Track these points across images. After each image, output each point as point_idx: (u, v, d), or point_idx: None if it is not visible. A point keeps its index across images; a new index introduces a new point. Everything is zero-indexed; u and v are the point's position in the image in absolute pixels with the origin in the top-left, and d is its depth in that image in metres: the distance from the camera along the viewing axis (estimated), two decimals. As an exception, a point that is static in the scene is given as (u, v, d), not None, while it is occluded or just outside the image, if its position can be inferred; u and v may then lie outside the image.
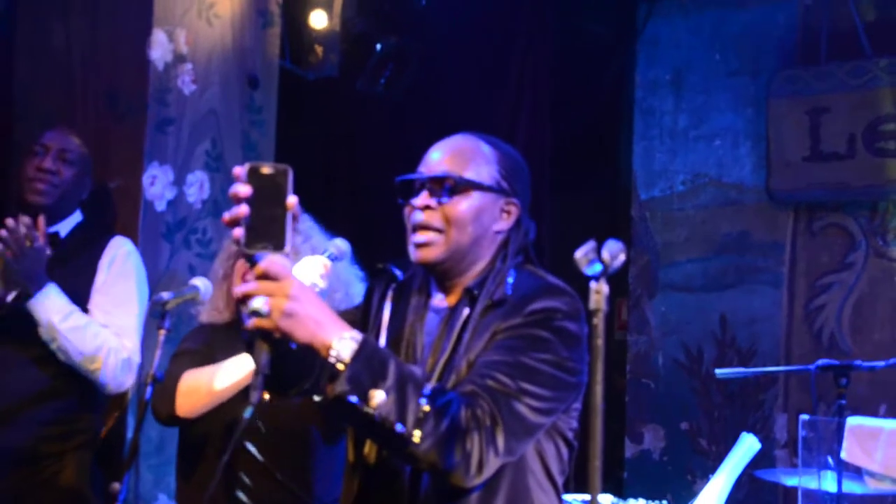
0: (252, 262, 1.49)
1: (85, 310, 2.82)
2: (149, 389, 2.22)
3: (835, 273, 4.27)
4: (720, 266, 4.49)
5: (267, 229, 1.48)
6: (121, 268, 2.92)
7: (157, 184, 3.33)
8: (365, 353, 1.51)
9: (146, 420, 2.25)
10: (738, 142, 4.51)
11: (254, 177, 1.49)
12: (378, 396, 1.49)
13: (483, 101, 4.30)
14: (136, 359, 2.83)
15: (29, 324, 2.72)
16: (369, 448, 1.75)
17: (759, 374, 4.07)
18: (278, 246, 1.48)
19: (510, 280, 1.74)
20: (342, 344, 1.51)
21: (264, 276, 1.49)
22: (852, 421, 2.76)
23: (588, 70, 4.76)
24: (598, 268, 1.28)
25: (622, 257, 1.29)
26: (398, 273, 1.87)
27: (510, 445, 1.60)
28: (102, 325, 2.80)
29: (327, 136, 4.63)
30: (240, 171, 1.49)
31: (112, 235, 2.99)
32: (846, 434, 2.75)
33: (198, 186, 3.47)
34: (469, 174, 1.77)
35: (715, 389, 4.40)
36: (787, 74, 4.32)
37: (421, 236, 1.76)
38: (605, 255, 1.28)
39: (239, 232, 1.47)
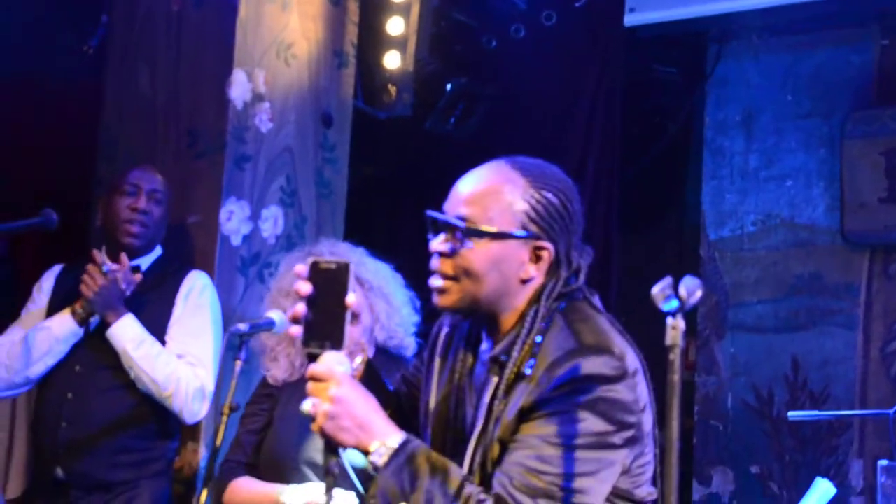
0: (313, 358, 1.53)
1: (163, 341, 2.91)
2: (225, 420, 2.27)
3: (912, 317, 4.18)
4: (792, 308, 4.41)
5: (325, 328, 1.50)
6: (197, 300, 3.01)
7: (233, 219, 3.42)
8: (398, 462, 1.50)
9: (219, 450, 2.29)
10: (811, 182, 4.45)
11: (315, 273, 1.52)
12: None
13: (552, 141, 4.31)
14: (210, 388, 2.90)
15: (115, 351, 2.84)
16: None
17: (835, 417, 3.98)
18: (335, 345, 1.50)
19: (539, 340, 1.60)
20: (379, 451, 1.51)
21: (313, 378, 1.52)
22: (932, 468, 2.69)
23: (657, 109, 4.75)
24: (674, 304, 1.29)
25: (699, 294, 1.29)
26: (447, 320, 1.81)
27: None
28: (178, 355, 2.89)
29: (397, 174, 4.69)
30: (301, 269, 1.52)
31: (189, 269, 3.08)
32: (926, 481, 2.68)
33: (272, 222, 3.55)
34: (487, 221, 1.63)
35: (786, 433, 4.31)
36: (862, 115, 4.26)
37: (436, 281, 1.67)
38: (683, 291, 1.29)
39: (297, 331, 1.51)
